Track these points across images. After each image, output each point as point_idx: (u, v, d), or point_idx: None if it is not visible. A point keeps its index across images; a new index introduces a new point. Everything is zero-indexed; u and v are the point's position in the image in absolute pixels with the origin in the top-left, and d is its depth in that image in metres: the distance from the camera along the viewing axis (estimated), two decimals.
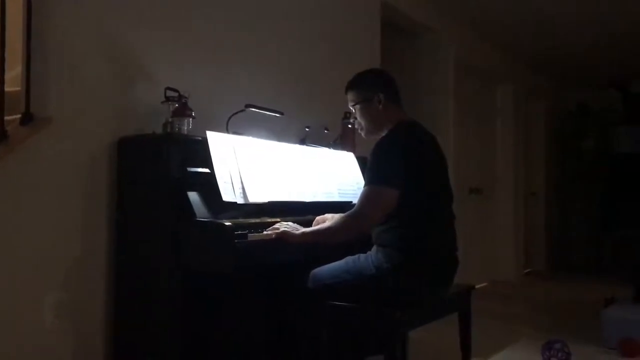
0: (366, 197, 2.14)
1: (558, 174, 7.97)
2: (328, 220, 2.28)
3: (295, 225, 2.22)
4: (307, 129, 3.10)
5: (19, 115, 2.13)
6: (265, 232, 2.15)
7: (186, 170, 2.18)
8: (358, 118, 2.38)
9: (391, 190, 2.11)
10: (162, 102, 2.37)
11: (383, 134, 2.28)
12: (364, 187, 2.17)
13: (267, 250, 2.14)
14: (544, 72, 7.30)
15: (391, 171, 2.12)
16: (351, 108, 2.41)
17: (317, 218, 2.39)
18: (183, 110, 2.33)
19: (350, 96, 2.38)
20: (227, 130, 2.55)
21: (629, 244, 6.90)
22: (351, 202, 2.72)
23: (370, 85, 2.34)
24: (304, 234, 2.18)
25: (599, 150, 7.64)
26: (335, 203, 2.63)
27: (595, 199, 7.69)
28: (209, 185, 2.16)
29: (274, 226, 2.19)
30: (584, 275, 6.99)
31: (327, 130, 3.27)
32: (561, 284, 6.61)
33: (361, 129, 2.40)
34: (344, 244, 2.24)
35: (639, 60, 6.48)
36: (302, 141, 3.01)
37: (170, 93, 2.37)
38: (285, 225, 2.19)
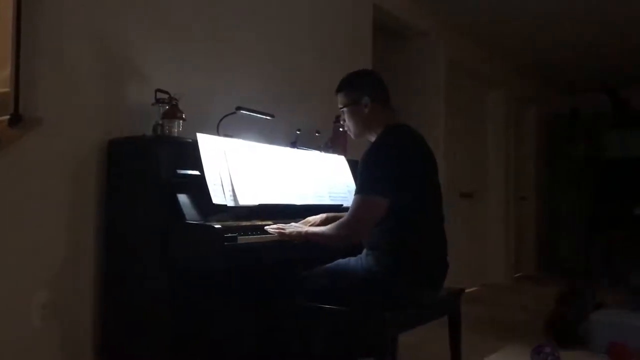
0: (356, 206, 2.13)
1: (548, 178, 8.01)
2: (327, 222, 2.30)
3: (298, 225, 2.27)
4: (298, 132, 3.10)
5: (7, 117, 2.11)
6: (270, 229, 2.19)
7: (176, 172, 2.18)
8: (346, 120, 2.38)
9: (381, 199, 2.10)
10: (153, 104, 2.36)
11: (371, 137, 2.30)
12: (354, 195, 2.17)
13: (257, 252, 2.15)
14: (535, 76, 7.34)
15: (380, 179, 2.11)
16: (340, 111, 2.41)
17: (314, 218, 2.40)
18: (174, 112, 2.33)
19: (339, 98, 2.39)
20: (217, 133, 2.55)
21: (618, 248, 6.94)
22: (342, 205, 2.72)
23: (357, 87, 2.33)
24: (306, 233, 2.22)
25: (589, 154, 7.69)
26: (326, 206, 2.63)
27: (585, 203, 7.73)
28: (199, 188, 2.16)
29: (279, 225, 2.22)
30: (574, 279, 7.01)
31: (318, 133, 3.27)
32: (551, 288, 6.62)
33: (350, 131, 2.41)
34: (336, 250, 2.27)
35: (629, 65, 6.54)
36: (293, 144, 3.01)
37: (160, 95, 2.36)
38: (293, 226, 2.25)
